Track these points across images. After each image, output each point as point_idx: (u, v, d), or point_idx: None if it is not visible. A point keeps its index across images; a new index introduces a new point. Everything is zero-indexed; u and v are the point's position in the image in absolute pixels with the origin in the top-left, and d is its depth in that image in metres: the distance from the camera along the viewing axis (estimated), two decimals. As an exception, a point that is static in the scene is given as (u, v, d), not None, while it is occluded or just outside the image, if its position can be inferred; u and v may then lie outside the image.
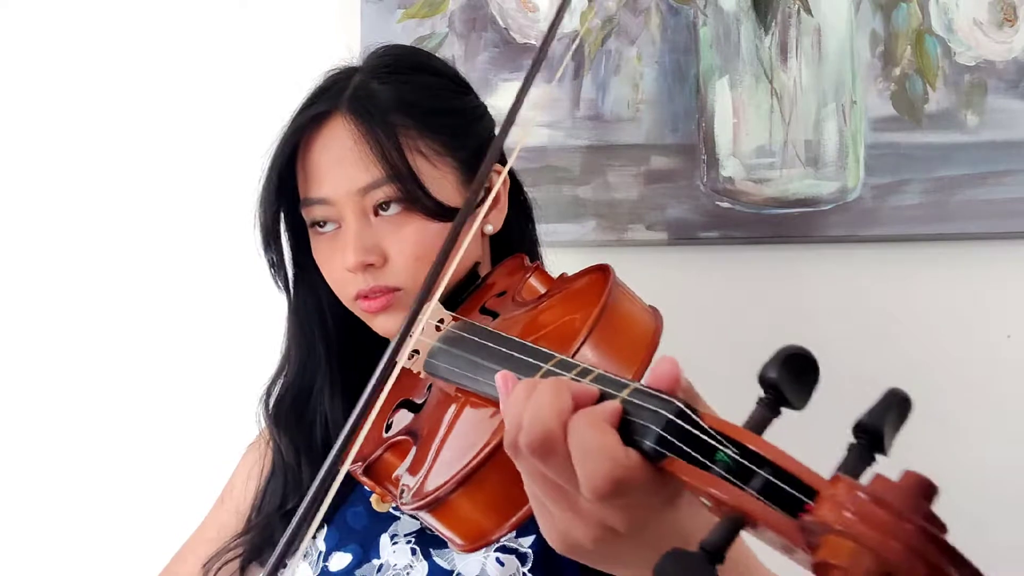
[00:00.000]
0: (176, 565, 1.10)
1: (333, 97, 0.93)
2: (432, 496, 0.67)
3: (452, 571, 0.90)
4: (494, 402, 0.69)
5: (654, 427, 0.51)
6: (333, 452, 0.72)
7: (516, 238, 1.03)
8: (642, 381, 0.56)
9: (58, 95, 1.50)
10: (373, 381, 0.74)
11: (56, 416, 1.49)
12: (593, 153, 1.37)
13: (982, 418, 1.32)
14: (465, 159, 0.96)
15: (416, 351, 0.81)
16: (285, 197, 0.95)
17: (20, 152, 1.52)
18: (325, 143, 0.92)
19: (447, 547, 0.90)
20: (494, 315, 0.88)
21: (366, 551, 0.93)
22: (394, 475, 0.81)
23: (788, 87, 1.34)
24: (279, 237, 0.98)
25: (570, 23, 1.38)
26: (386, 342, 1.01)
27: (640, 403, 0.52)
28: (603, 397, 0.55)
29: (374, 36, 1.38)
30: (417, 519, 0.70)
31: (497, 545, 0.89)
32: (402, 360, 0.78)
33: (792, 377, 0.50)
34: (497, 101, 1.29)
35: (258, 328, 1.41)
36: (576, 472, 0.52)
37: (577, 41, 1.35)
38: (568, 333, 0.71)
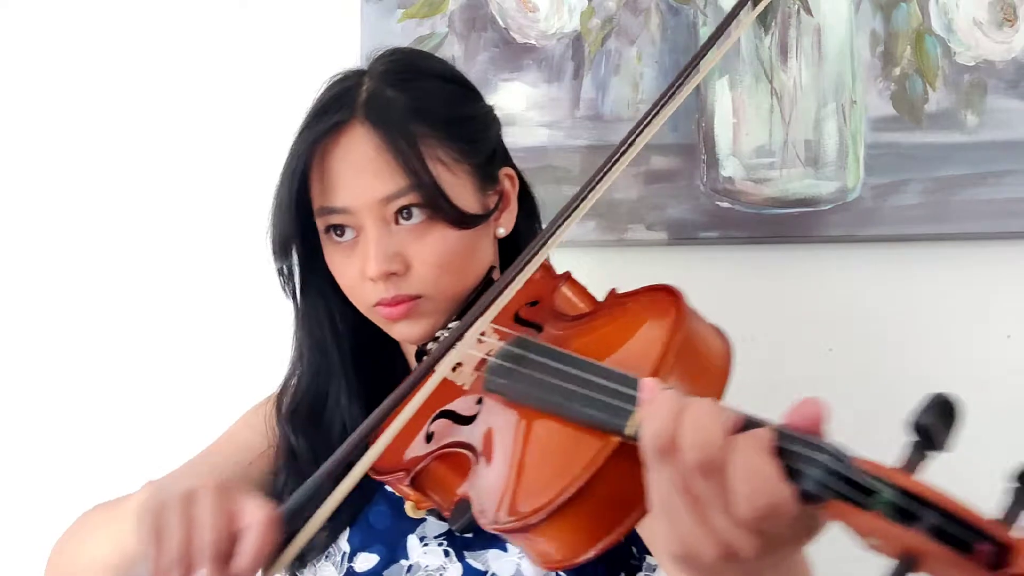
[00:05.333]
0: (208, 457, 1.05)
1: (348, 105, 0.91)
2: (527, 519, 0.66)
3: (486, 572, 0.90)
4: (576, 424, 0.67)
5: (816, 470, 0.52)
6: (338, 453, 0.70)
7: (524, 240, 1.01)
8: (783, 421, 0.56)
9: (58, 95, 1.50)
10: (402, 388, 0.72)
11: (64, 421, 1.50)
12: (593, 153, 1.36)
13: (982, 418, 1.31)
14: (480, 165, 0.94)
15: (459, 363, 0.79)
16: (301, 206, 0.93)
17: (20, 155, 1.52)
18: (344, 152, 0.90)
19: (480, 549, 0.90)
20: (536, 327, 0.85)
21: (392, 551, 0.93)
22: (459, 491, 0.78)
23: (788, 87, 1.34)
24: (292, 246, 0.96)
25: (570, 23, 1.38)
26: (399, 345, 1.00)
27: (792, 447, 0.53)
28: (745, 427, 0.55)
29: (374, 36, 1.38)
30: (501, 537, 0.70)
31: None
32: (444, 371, 0.76)
33: (943, 423, 0.52)
34: (497, 101, 1.29)
35: (249, 333, 1.42)
36: (728, 491, 0.53)
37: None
38: (646, 357, 0.68)
